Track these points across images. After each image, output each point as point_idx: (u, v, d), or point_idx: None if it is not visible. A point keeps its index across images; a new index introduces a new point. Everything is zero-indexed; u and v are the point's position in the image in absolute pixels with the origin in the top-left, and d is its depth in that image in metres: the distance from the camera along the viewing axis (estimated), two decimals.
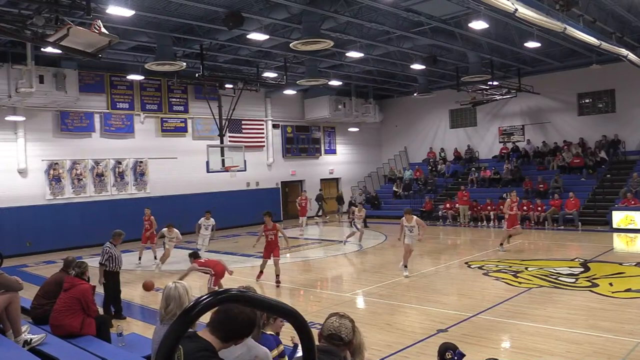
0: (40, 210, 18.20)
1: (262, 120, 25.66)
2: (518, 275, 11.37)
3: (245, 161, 19.98)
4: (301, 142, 27.61)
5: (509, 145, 25.62)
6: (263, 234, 11.72)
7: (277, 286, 11.38)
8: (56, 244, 17.77)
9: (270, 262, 11.62)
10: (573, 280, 10.76)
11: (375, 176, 29.93)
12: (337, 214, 27.28)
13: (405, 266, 11.86)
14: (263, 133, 25.67)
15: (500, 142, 26.24)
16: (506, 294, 9.77)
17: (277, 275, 11.58)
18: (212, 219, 15.26)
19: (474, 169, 25.50)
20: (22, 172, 18.11)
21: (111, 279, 9.16)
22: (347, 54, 18.70)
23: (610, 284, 10.15)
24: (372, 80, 25.66)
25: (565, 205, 19.65)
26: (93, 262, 13.88)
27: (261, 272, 11.87)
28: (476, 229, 20.79)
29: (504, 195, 21.66)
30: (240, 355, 2.82)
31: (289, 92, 24.92)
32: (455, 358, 4.16)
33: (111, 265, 9.10)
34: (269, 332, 3.99)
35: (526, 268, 12.06)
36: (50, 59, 16.88)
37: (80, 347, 5.72)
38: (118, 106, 20.51)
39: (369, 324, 8.07)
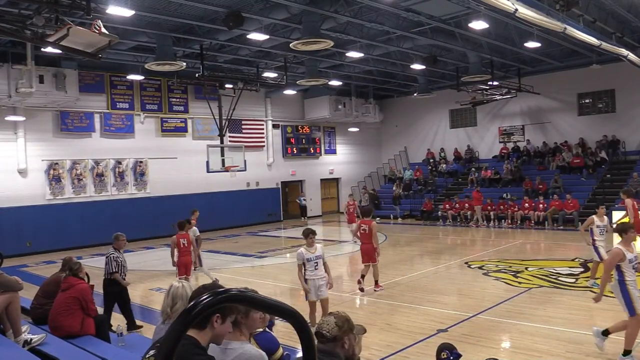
0: (40, 210, 18.20)
1: (262, 120, 25.66)
2: (518, 275, 11.37)
3: (245, 161, 19.98)
4: (301, 142, 27.59)
5: (509, 145, 25.62)
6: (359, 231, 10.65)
7: (376, 290, 10.48)
8: (56, 244, 17.77)
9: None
10: (573, 280, 10.77)
11: (375, 176, 29.92)
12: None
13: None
14: (263, 133, 25.67)
15: (500, 142, 26.24)
16: (506, 294, 9.77)
17: (376, 281, 10.65)
18: (194, 228, 11.55)
19: (474, 169, 25.50)
20: (22, 172, 18.11)
21: (117, 288, 8.26)
22: (347, 54, 18.70)
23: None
24: (372, 80, 25.65)
25: (565, 206, 19.65)
26: (93, 263, 14.00)
27: (360, 281, 10.52)
28: (476, 229, 20.76)
29: (504, 195, 21.84)
30: (237, 357, 2.81)
31: (289, 92, 24.92)
32: (452, 358, 4.16)
33: (121, 273, 8.30)
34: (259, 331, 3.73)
35: (526, 268, 12.07)
36: (50, 59, 16.87)
37: (80, 347, 5.72)
38: (118, 106, 20.51)
39: (369, 324, 8.03)
